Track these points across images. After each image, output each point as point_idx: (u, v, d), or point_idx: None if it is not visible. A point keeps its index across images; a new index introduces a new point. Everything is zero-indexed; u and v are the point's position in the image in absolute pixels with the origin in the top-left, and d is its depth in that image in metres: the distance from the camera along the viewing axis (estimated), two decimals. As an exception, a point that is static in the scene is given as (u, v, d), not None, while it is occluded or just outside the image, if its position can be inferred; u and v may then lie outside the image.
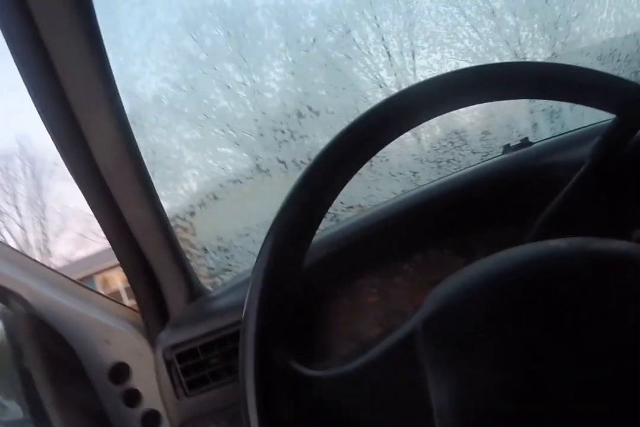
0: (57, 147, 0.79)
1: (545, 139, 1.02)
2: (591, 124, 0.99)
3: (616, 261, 0.45)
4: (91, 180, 0.81)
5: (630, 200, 0.84)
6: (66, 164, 0.81)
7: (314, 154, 0.55)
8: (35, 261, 0.91)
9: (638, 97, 0.61)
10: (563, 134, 1.01)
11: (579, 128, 1.00)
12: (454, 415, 0.42)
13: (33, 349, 0.86)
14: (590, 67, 0.61)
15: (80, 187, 0.82)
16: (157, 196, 0.88)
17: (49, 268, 0.93)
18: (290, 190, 0.54)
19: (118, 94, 0.78)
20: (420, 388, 0.43)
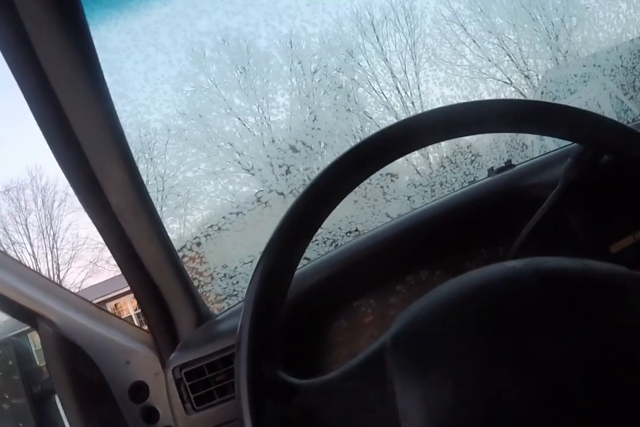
0: (74, 190, 0.86)
1: (527, 160, 1.07)
2: (568, 145, 1.04)
3: (568, 279, 0.50)
4: (105, 219, 0.88)
5: (605, 216, 0.89)
6: (82, 204, 0.87)
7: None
8: (59, 285, 0.99)
9: (593, 126, 0.66)
10: (543, 154, 1.06)
11: (557, 148, 1.06)
12: (417, 422, 0.47)
13: (62, 369, 0.92)
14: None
15: (95, 224, 0.89)
16: (165, 230, 0.95)
17: (73, 293, 1.00)
18: (279, 222, 0.61)
19: (125, 139, 0.84)
20: (388, 396, 0.49)
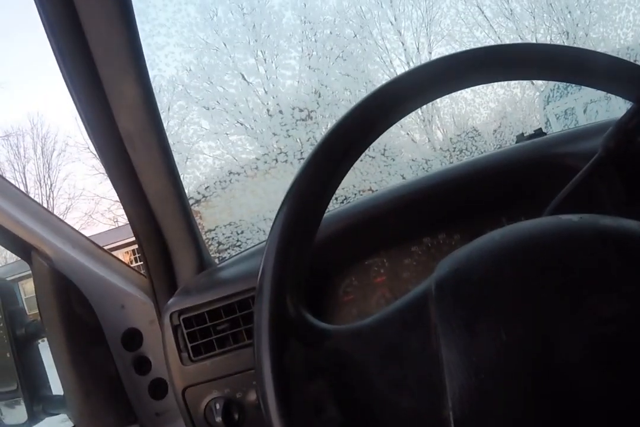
0: (78, 110, 0.80)
1: (560, 131, 1.03)
2: (608, 120, 0.99)
3: (625, 236, 0.47)
4: (110, 143, 0.82)
5: (637, 193, 0.85)
6: (87, 128, 0.82)
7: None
8: (59, 219, 0.93)
9: None
10: (577, 127, 1.02)
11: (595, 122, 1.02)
12: (463, 372, 0.43)
13: (54, 305, 0.88)
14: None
15: (98, 149, 0.83)
16: (175, 166, 0.89)
17: (72, 228, 0.94)
18: (309, 155, 0.56)
19: (144, 61, 0.79)
20: (431, 345, 0.45)
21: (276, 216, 0.54)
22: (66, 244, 0.93)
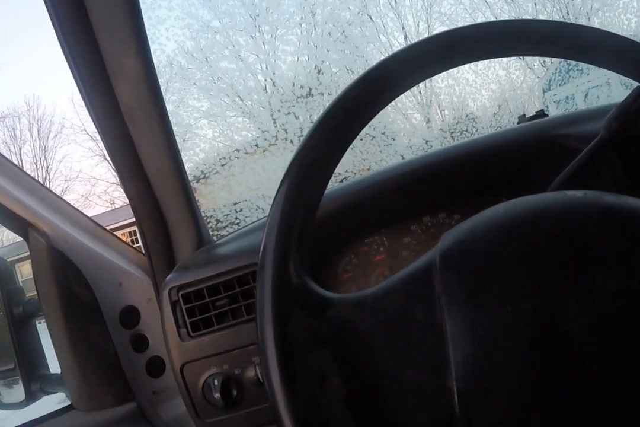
0: (78, 86, 0.79)
1: (561, 113, 1.03)
2: (611, 104, 0.99)
3: (629, 213, 0.47)
4: (110, 117, 0.81)
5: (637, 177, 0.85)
6: (86, 103, 0.81)
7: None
8: (57, 195, 0.92)
9: None
10: (580, 110, 1.01)
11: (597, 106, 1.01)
12: (466, 342, 0.43)
13: (52, 283, 0.87)
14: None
15: (97, 124, 0.82)
16: (176, 142, 0.88)
17: (70, 205, 0.94)
18: (311, 128, 0.56)
19: (145, 34, 0.77)
20: (435, 316, 0.46)
21: (279, 187, 0.54)
22: (64, 222, 0.92)
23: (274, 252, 0.51)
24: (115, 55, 0.77)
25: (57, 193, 0.94)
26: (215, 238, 1.00)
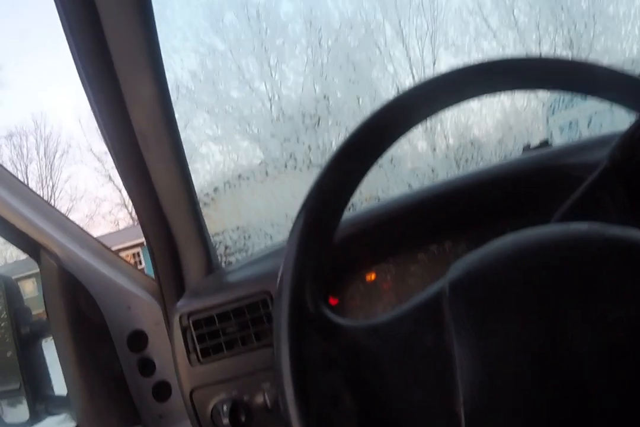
0: (93, 110, 0.80)
1: (565, 142, 1.04)
2: (613, 132, 1.00)
3: (630, 245, 0.49)
4: (124, 142, 0.83)
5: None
6: (101, 128, 0.82)
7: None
8: (68, 219, 0.94)
9: None
10: (583, 139, 1.03)
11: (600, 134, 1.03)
12: (474, 368, 0.45)
13: (61, 305, 0.88)
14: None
15: (111, 147, 0.83)
16: (188, 167, 0.90)
17: (81, 228, 0.95)
18: (327, 161, 0.58)
19: (162, 62, 0.79)
20: (444, 342, 0.47)
21: (296, 218, 0.56)
22: (74, 244, 0.94)
23: (291, 282, 0.53)
24: (132, 83, 0.79)
25: (65, 214, 0.96)
26: (223, 264, 1.01)
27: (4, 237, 0.91)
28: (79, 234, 0.95)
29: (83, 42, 0.75)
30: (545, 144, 1.04)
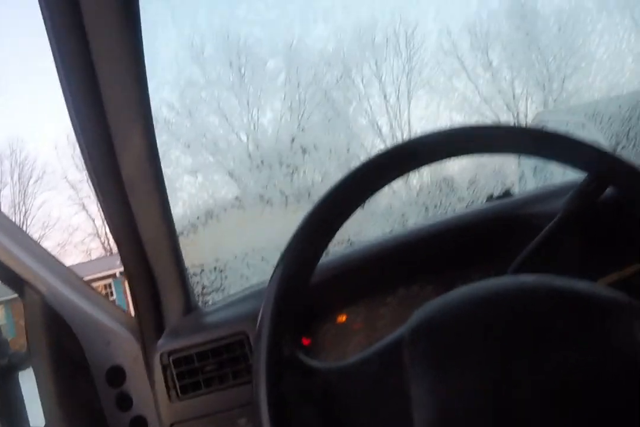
0: (84, 149, 0.82)
1: (525, 192, 1.11)
2: (569, 181, 1.07)
3: (574, 297, 0.56)
4: (112, 187, 0.86)
5: (599, 250, 0.93)
6: (89, 167, 0.84)
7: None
8: (53, 256, 0.97)
9: (606, 159, 0.71)
10: (543, 187, 1.10)
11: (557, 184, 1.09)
12: (429, 407, 0.51)
13: (43, 339, 0.91)
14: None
15: (98, 190, 0.86)
16: (170, 209, 0.94)
17: (64, 265, 0.99)
18: (302, 220, 0.64)
19: (150, 109, 0.83)
20: (404, 383, 0.54)
21: (273, 272, 0.62)
22: (57, 280, 0.96)
23: (269, 329, 0.58)
24: (120, 127, 0.82)
25: (47, 249, 0.99)
26: (200, 303, 1.05)
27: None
28: (62, 271, 0.98)
29: (78, 94, 0.78)
30: (507, 193, 1.10)
